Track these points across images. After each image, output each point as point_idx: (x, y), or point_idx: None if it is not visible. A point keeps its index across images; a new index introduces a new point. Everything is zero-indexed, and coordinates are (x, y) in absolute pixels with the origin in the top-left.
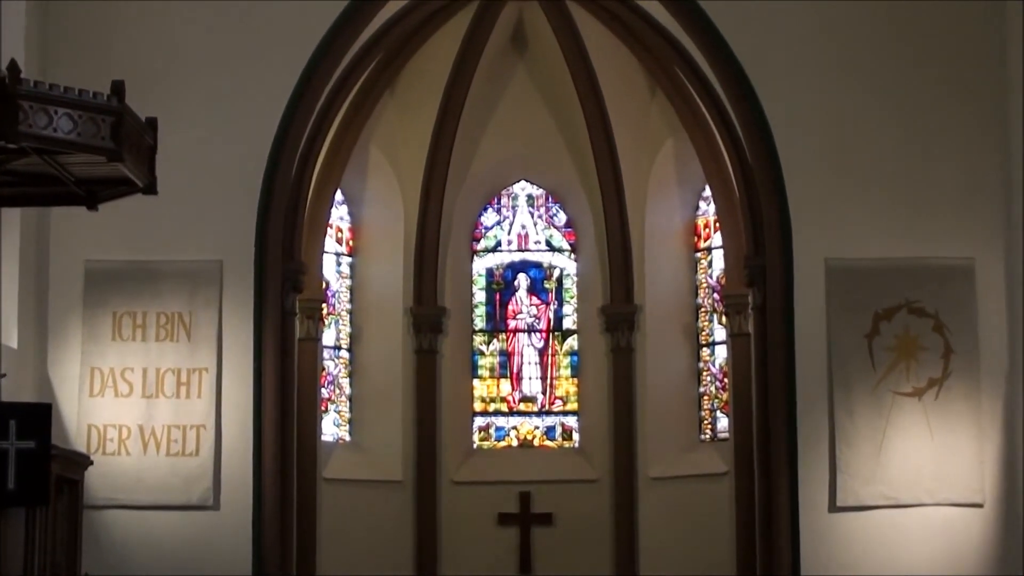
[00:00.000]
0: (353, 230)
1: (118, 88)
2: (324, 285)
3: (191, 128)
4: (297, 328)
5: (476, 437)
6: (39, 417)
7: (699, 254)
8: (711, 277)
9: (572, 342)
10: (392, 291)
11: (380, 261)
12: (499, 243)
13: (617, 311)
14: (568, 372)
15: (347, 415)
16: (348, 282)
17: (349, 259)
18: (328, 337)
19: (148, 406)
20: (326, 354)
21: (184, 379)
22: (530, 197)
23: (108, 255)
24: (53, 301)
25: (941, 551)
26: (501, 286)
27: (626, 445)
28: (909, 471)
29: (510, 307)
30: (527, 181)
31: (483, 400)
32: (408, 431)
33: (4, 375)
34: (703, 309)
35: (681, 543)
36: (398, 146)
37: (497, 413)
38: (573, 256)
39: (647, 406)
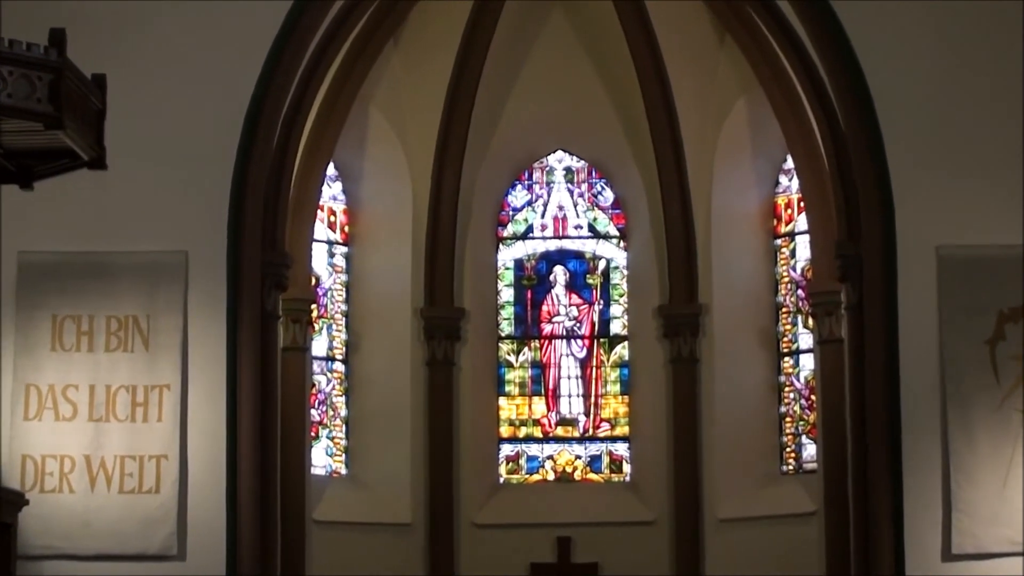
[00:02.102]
0: (349, 213)
1: (58, 38)
2: (314, 282)
3: (148, 88)
4: (281, 335)
5: (503, 469)
6: None
7: (779, 241)
8: (794, 270)
9: (622, 351)
10: (398, 288)
11: (383, 251)
12: (530, 228)
13: (678, 312)
14: (617, 388)
15: (343, 443)
16: (343, 278)
17: (344, 249)
18: (319, 346)
19: (96, 432)
20: (316, 367)
21: (141, 398)
22: (569, 171)
23: (46, 245)
24: None
25: None
26: (533, 281)
27: (689, 479)
28: None
29: (544, 308)
30: (565, 151)
31: (511, 423)
32: (418, 462)
33: None
34: (784, 309)
35: None
36: (404, 108)
37: (529, 439)
38: (622, 244)
39: (715, 430)
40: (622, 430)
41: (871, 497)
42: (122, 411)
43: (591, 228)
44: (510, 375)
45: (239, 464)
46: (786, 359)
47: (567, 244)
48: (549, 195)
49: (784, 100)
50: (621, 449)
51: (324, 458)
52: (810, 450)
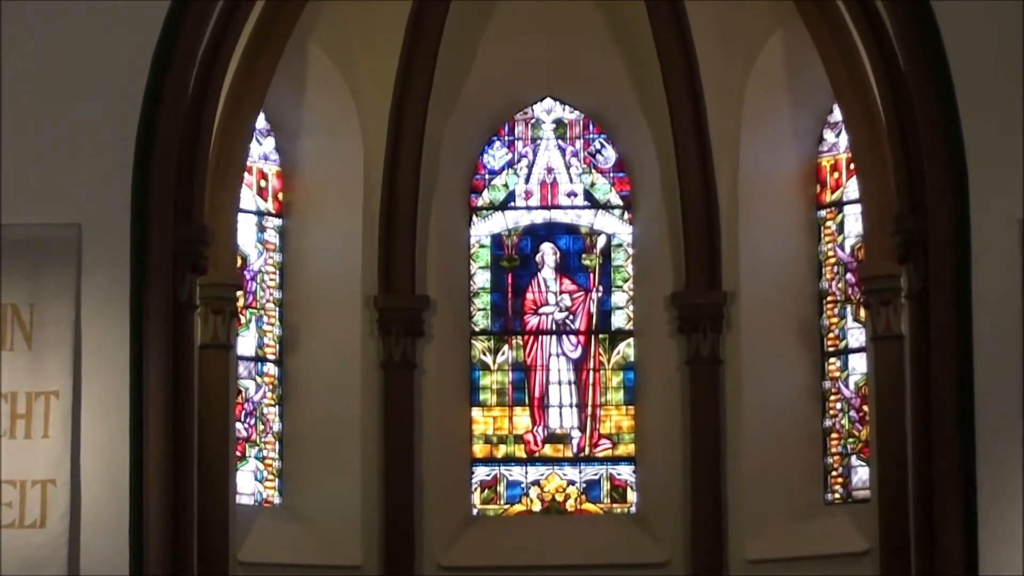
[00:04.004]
0: (284, 176)
1: None
2: (240, 263)
3: (28, 15)
4: (198, 330)
5: (477, 498)
6: None
7: (824, 212)
8: (842, 248)
9: (626, 350)
10: (345, 271)
11: (326, 225)
12: (512, 195)
13: (696, 302)
14: (620, 396)
15: (275, 465)
16: (277, 257)
17: (278, 222)
18: (246, 344)
19: None
20: (243, 369)
21: (22, 409)
22: (560, 124)
23: None
24: None
25: None
26: (515, 263)
27: (710, 510)
28: None
29: (529, 296)
30: (555, 99)
31: (487, 440)
32: (371, 489)
33: None
34: (830, 298)
35: None
36: (354, 46)
37: (510, 460)
38: (627, 216)
39: (743, 449)
40: (626, 449)
41: (938, 532)
42: None
43: (587, 196)
44: (486, 380)
45: (145, 491)
46: (832, 360)
47: (557, 216)
48: (535, 154)
49: (829, 35)
50: (625, 473)
51: (252, 484)
52: (861, 474)
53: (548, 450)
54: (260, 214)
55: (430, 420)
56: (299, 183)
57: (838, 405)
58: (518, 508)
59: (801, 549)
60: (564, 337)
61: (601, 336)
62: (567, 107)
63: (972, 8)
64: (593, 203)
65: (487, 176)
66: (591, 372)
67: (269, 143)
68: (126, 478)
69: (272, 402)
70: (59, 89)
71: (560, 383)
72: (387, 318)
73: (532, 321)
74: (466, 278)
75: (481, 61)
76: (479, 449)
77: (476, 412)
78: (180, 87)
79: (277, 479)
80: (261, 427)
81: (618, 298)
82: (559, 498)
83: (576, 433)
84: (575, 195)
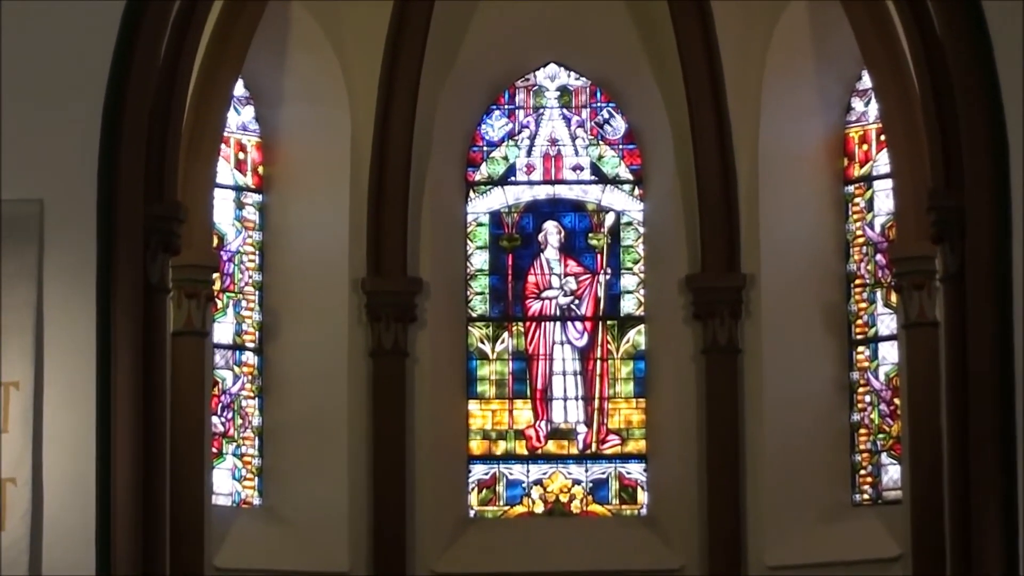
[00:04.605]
0: (264, 148)
1: None
2: (216, 242)
3: None
4: (171, 315)
5: (473, 498)
6: None
7: (852, 188)
8: (871, 227)
9: (636, 337)
10: (331, 252)
11: (310, 201)
12: (512, 169)
13: (713, 285)
14: (629, 388)
15: (255, 462)
16: (256, 237)
17: (258, 198)
18: (223, 330)
19: None
20: (220, 358)
21: None
22: (565, 91)
23: None
24: None
25: None
26: (516, 243)
27: (727, 512)
28: None
29: (531, 279)
30: (559, 65)
31: (485, 435)
32: (358, 489)
33: None
34: (858, 281)
35: None
36: (340, 6)
37: (510, 458)
38: (637, 192)
39: (764, 445)
40: (636, 445)
41: (975, 536)
42: None
43: (595, 170)
44: (484, 370)
45: (113, 491)
46: (860, 349)
47: (562, 191)
48: (538, 125)
49: None
50: (635, 471)
51: (230, 483)
52: (892, 473)
53: (551, 447)
54: (238, 189)
55: (423, 414)
56: (281, 155)
57: (867, 398)
58: (519, 509)
59: (826, 554)
60: (569, 324)
61: (609, 322)
62: (572, 73)
63: None
64: (601, 178)
65: (485, 148)
66: (598, 362)
67: (248, 112)
68: (92, 476)
69: (251, 394)
70: (20, 54)
71: (565, 374)
72: (376, 303)
73: (534, 306)
74: (462, 259)
75: (479, 22)
76: (476, 445)
77: (473, 405)
78: (151, 51)
79: (257, 478)
80: (239, 421)
81: (628, 281)
82: (563, 499)
83: (582, 428)
84: (581, 169)
